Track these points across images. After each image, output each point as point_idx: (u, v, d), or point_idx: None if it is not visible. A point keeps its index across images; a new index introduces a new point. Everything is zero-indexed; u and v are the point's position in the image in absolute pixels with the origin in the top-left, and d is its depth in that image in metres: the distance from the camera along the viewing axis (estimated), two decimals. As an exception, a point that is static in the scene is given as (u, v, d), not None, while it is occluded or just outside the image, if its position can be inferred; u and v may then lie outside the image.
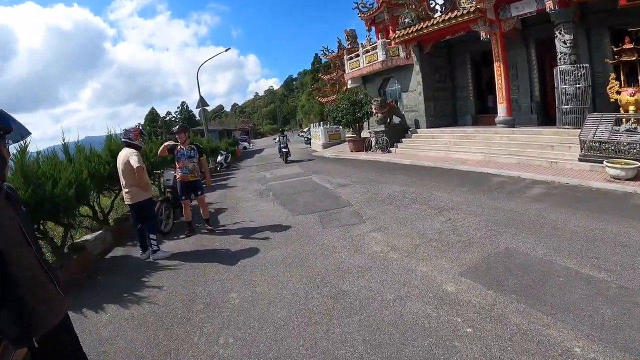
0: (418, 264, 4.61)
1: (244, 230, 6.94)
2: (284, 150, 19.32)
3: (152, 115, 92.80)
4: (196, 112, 23.24)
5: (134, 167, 5.48)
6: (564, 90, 11.21)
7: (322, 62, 79.45)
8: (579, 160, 9.30)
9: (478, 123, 17.53)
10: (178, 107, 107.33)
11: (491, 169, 10.34)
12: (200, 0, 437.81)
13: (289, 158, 19.36)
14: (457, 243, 5.15)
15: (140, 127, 6.00)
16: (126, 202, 5.90)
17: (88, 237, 6.64)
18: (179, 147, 6.82)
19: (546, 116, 14.79)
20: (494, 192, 7.92)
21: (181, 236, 7.01)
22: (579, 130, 9.99)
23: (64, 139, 7.37)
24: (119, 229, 7.41)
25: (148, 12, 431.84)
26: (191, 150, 6.81)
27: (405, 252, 5.03)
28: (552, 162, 9.93)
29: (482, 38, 14.08)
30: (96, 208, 7.37)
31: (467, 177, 9.87)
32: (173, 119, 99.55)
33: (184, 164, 6.76)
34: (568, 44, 11.20)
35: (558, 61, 11.50)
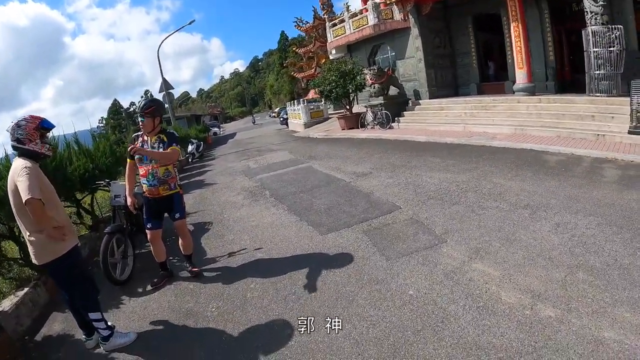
0: (595, 325, 2.63)
1: (251, 270, 4.28)
2: (252, 122, 37.63)
3: (115, 107, 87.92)
4: (160, 97, 20.05)
5: (22, 199, 2.78)
6: (595, 54, 9.74)
7: (289, 38, 76.52)
8: (630, 132, 7.95)
9: (483, 92, 15.53)
10: (142, 97, 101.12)
11: (532, 144, 8.68)
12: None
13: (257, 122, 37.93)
14: (612, 272, 3.23)
15: (43, 120, 3.06)
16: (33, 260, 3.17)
17: (5, 304, 3.91)
18: (139, 139, 4.08)
19: (561, 83, 13.21)
20: (566, 176, 6.16)
21: (148, 288, 4.28)
22: (616, 98, 9.13)
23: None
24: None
25: (107, 2, 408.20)
26: (159, 144, 4.01)
27: (558, 302, 2.93)
28: (597, 134, 8.53)
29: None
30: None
31: (513, 156, 8.00)
32: (137, 108, 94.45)
33: (148, 170, 4.00)
34: (599, 2, 9.60)
35: (588, 22, 9.90)
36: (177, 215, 4.19)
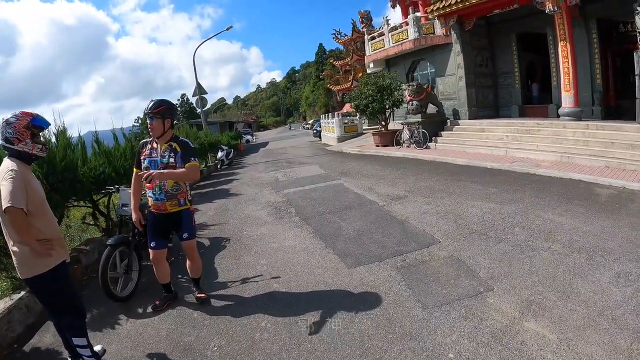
0: None
1: (265, 304, 3.75)
2: (289, 128, 48.75)
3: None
4: (194, 101, 20.09)
5: (2, 207, 2.43)
6: None
7: (327, 51, 77.00)
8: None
9: (525, 115, 14.72)
10: (178, 100, 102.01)
11: (581, 174, 7.91)
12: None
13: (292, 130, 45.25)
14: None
15: (35, 117, 2.68)
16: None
17: (-4, 308, 3.56)
18: (148, 146, 3.66)
19: (608, 108, 12.35)
20: (621, 214, 5.42)
21: (149, 310, 3.85)
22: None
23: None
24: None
25: (151, 6, 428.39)
26: (169, 153, 3.54)
27: None
28: None
29: (547, 10, 11.21)
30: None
31: (561, 187, 7.26)
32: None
33: (154, 182, 3.54)
34: None
35: None
36: (185, 236, 3.69)
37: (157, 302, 3.86)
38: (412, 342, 2.87)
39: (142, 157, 3.58)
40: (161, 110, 3.49)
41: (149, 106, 3.50)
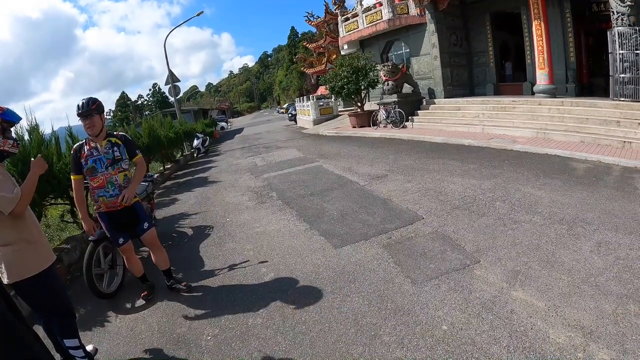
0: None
1: (255, 289, 3.73)
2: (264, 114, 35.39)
3: (123, 100, 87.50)
4: (167, 89, 19.58)
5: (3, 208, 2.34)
6: (621, 57, 9.22)
7: (300, 34, 76.05)
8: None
9: (500, 93, 14.93)
10: (150, 90, 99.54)
11: (557, 149, 8.11)
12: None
13: (265, 116, 37.41)
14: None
15: (5, 111, 2.51)
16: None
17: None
18: (85, 148, 3.43)
19: (581, 86, 12.60)
20: (598, 186, 5.59)
21: (138, 302, 3.79)
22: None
23: None
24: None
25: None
26: (112, 148, 3.44)
27: (612, 342, 2.45)
28: (624, 142, 7.93)
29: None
30: None
31: (538, 162, 7.45)
32: (145, 102, 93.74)
33: (106, 178, 3.40)
34: (627, 3, 9.05)
35: (613, 23, 9.35)
36: (146, 225, 3.66)
37: (146, 292, 3.82)
38: (405, 317, 2.91)
39: (82, 160, 3.41)
40: (97, 106, 3.37)
41: (83, 104, 3.31)
